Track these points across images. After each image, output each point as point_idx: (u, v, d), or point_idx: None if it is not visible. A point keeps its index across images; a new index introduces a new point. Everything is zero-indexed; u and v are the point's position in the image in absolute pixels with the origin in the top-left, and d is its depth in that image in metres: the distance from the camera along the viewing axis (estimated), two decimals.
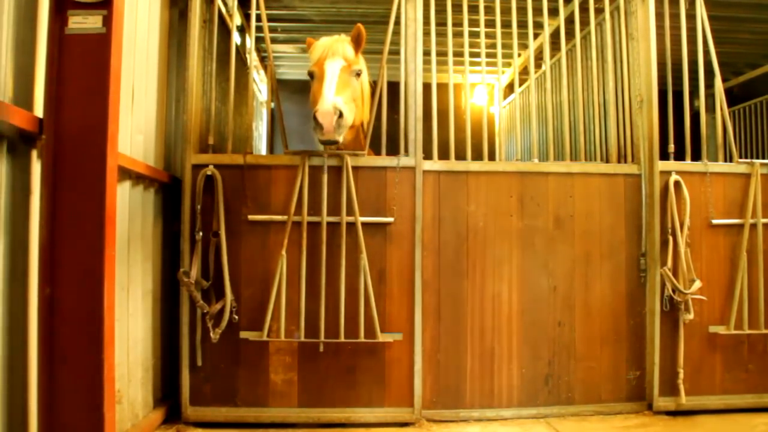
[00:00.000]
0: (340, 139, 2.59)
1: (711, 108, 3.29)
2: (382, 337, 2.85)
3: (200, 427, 2.79)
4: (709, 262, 3.07)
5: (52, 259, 1.85)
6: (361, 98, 2.87)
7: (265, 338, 2.81)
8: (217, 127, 3.17)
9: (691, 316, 2.94)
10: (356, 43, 2.87)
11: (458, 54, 3.39)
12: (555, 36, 3.50)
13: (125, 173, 2.39)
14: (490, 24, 3.34)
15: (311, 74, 2.84)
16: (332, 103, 2.53)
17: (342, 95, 2.63)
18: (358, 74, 2.81)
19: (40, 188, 1.82)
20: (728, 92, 3.81)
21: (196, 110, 2.92)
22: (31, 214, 1.79)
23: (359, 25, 2.87)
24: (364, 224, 2.87)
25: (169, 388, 2.95)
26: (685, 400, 2.93)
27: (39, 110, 1.82)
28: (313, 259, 2.86)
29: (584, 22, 3.35)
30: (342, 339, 2.84)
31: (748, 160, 3.14)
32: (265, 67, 5.30)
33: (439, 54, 3.24)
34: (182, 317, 2.82)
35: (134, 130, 2.54)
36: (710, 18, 3.19)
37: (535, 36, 3.45)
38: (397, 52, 3.07)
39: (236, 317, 2.80)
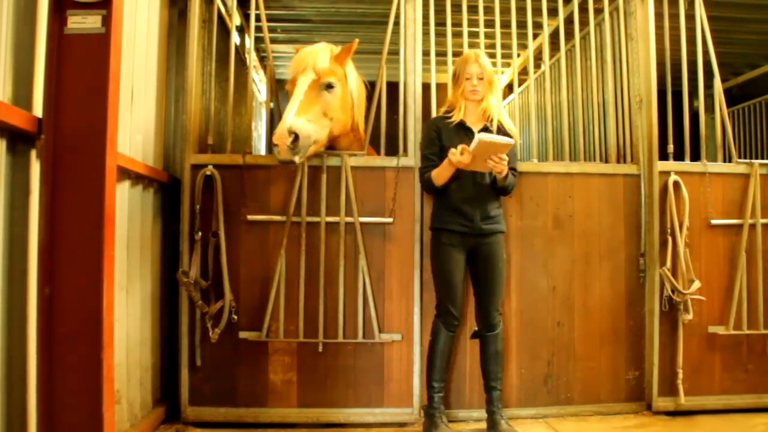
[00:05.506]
0: (297, 159, 2.59)
1: (710, 108, 3.29)
2: (381, 338, 2.85)
3: (199, 426, 2.79)
4: (708, 262, 3.07)
5: (52, 259, 1.84)
6: (342, 107, 2.79)
7: (264, 338, 2.82)
8: (217, 127, 3.17)
9: (690, 316, 2.94)
10: (343, 52, 2.80)
11: (458, 54, 3.38)
12: (554, 36, 3.51)
13: (124, 173, 2.39)
14: (489, 24, 3.34)
15: (288, 92, 2.79)
16: (288, 126, 2.53)
17: (306, 114, 2.60)
18: (330, 86, 2.70)
19: (39, 188, 1.82)
20: (727, 92, 3.79)
21: (195, 110, 2.92)
22: (30, 214, 1.78)
23: (356, 41, 2.85)
24: (363, 224, 2.87)
25: (168, 388, 2.95)
26: (684, 401, 2.93)
27: (38, 110, 1.82)
28: (312, 259, 2.86)
29: (583, 23, 3.35)
30: (341, 339, 2.84)
31: (748, 161, 3.14)
32: (264, 67, 5.30)
33: (438, 54, 3.24)
34: (181, 317, 2.82)
35: (133, 130, 2.54)
36: (710, 18, 3.19)
37: (535, 36, 3.44)
38: (397, 52, 3.07)
39: (235, 317, 2.79)
